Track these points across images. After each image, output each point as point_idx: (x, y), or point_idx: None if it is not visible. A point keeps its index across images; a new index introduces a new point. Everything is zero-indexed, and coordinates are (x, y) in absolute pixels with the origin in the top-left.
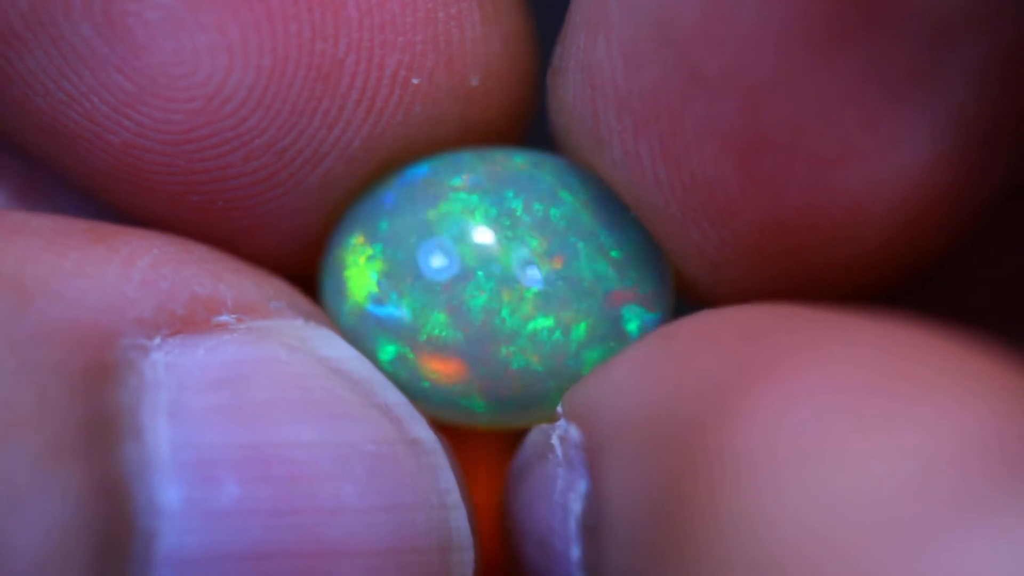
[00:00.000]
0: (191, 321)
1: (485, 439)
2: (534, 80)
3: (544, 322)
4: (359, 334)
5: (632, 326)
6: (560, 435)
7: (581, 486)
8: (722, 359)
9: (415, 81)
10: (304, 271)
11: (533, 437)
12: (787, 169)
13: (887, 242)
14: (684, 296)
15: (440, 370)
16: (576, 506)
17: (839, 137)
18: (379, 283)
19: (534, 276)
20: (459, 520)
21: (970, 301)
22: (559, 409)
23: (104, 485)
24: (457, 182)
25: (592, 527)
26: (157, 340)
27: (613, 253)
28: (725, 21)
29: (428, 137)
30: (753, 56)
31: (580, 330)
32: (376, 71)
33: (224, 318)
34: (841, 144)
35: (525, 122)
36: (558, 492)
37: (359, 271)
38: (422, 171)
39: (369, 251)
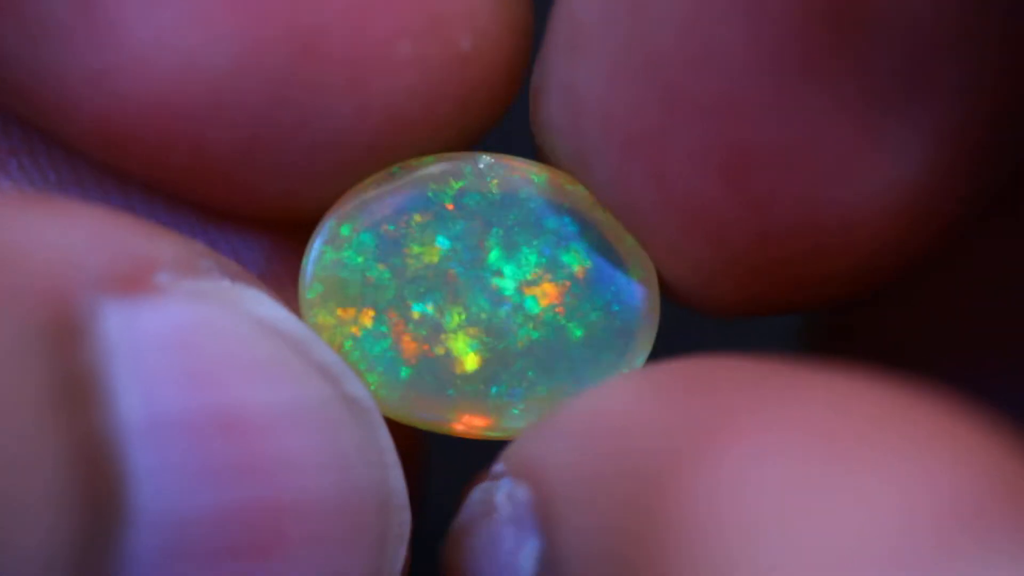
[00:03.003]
0: (136, 279)
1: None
2: (530, 39)
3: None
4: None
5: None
6: (507, 493)
7: (532, 545)
8: (674, 418)
9: (403, 47)
10: (291, 243)
11: (475, 496)
12: (773, 186)
13: (878, 252)
14: (676, 301)
15: None
16: (528, 565)
17: (829, 152)
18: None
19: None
20: (397, 480)
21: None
22: (499, 467)
23: (86, 444)
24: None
25: None
26: (110, 300)
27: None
28: (703, 41)
29: (422, 107)
30: (739, 75)
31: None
32: (361, 36)
33: (163, 276)
34: (831, 159)
35: (522, 83)
36: (506, 552)
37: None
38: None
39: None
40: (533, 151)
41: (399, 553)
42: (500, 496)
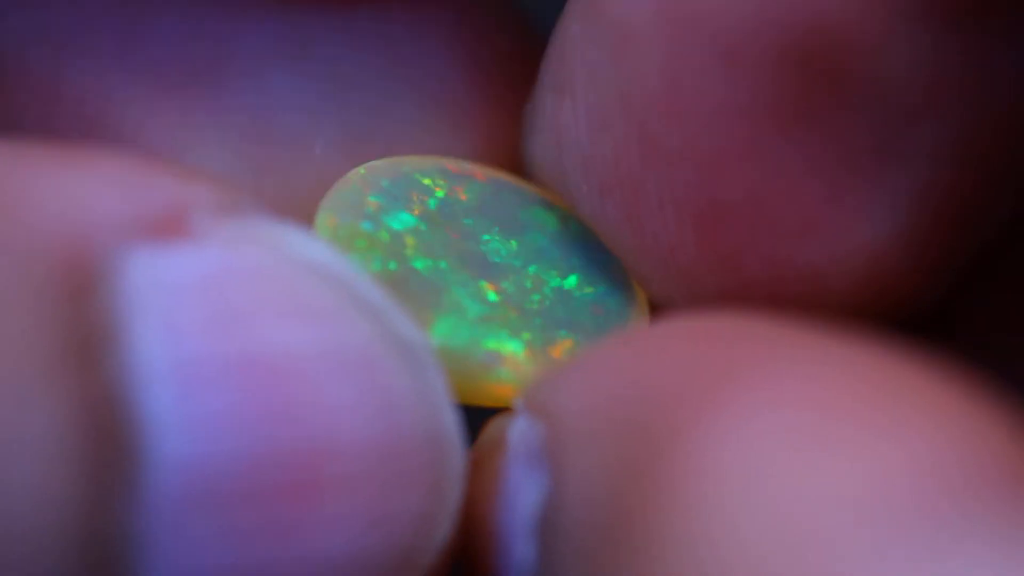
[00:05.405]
0: (167, 224)
1: None
2: None
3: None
4: None
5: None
6: (520, 430)
7: (540, 484)
8: (685, 369)
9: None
10: None
11: (491, 430)
12: (747, 240)
13: (851, 310)
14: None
15: None
16: (533, 503)
17: (800, 210)
18: None
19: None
20: (448, 420)
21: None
22: (518, 402)
23: (98, 397)
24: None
25: (549, 526)
26: (136, 245)
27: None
28: (687, 94)
29: None
30: (714, 130)
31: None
32: None
33: (199, 219)
34: (803, 217)
35: None
36: (515, 488)
37: None
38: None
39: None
40: None
41: (453, 495)
42: (515, 431)
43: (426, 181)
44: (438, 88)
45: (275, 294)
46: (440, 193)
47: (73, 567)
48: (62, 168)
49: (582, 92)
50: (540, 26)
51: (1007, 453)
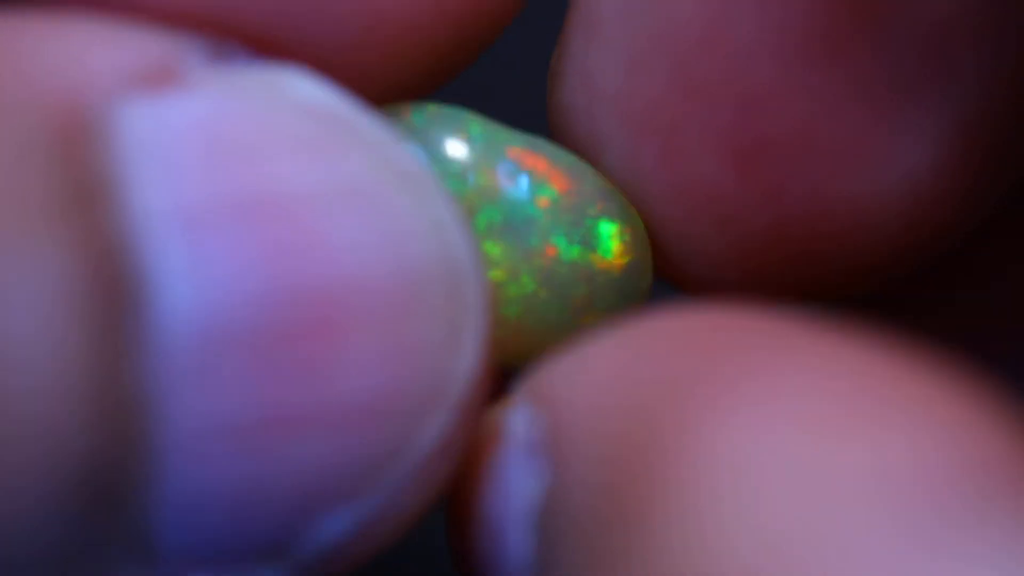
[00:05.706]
0: (160, 74)
1: None
2: None
3: None
4: None
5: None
6: (521, 419)
7: (541, 476)
8: (689, 361)
9: None
10: None
11: (490, 418)
12: (788, 176)
13: (889, 246)
14: (684, 291)
15: None
16: (532, 494)
17: (840, 144)
18: None
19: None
20: (461, 249)
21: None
22: (517, 392)
23: (101, 250)
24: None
25: (550, 519)
26: (130, 96)
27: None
28: (724, 31)
29: None
30: (752, 66)
31: None
32: None
33: (190, 66)
34: (842, 151)
35: None
36: (513, 478)
37: None
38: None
39: None
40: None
41: (476, 325)
42: (515, 420)
43: None
44: None
45: (274, 133)
46: None
47: (86, 426)
48: (50, 27)
49: (615, 33)
50: None
51: (1007, 451)
